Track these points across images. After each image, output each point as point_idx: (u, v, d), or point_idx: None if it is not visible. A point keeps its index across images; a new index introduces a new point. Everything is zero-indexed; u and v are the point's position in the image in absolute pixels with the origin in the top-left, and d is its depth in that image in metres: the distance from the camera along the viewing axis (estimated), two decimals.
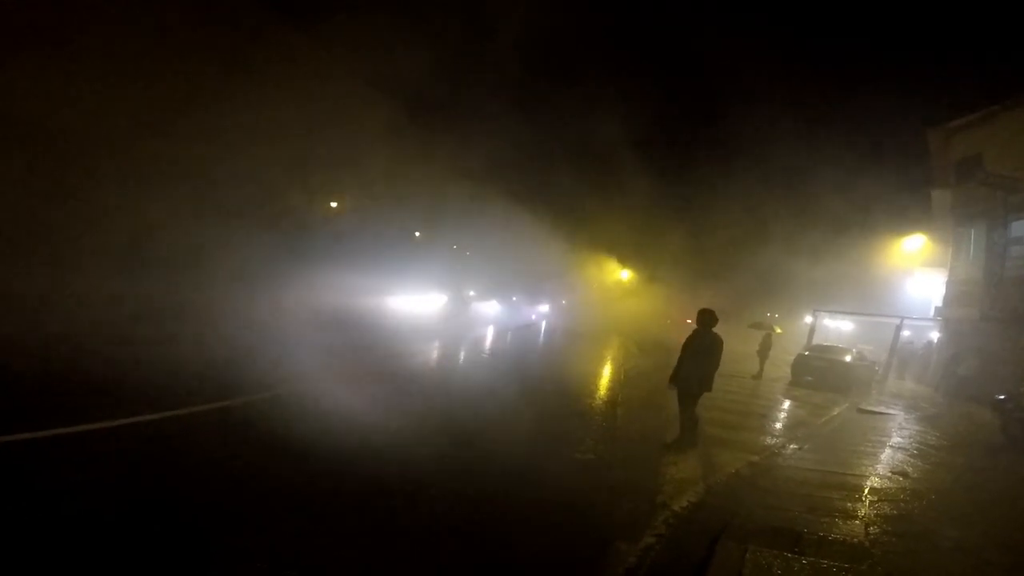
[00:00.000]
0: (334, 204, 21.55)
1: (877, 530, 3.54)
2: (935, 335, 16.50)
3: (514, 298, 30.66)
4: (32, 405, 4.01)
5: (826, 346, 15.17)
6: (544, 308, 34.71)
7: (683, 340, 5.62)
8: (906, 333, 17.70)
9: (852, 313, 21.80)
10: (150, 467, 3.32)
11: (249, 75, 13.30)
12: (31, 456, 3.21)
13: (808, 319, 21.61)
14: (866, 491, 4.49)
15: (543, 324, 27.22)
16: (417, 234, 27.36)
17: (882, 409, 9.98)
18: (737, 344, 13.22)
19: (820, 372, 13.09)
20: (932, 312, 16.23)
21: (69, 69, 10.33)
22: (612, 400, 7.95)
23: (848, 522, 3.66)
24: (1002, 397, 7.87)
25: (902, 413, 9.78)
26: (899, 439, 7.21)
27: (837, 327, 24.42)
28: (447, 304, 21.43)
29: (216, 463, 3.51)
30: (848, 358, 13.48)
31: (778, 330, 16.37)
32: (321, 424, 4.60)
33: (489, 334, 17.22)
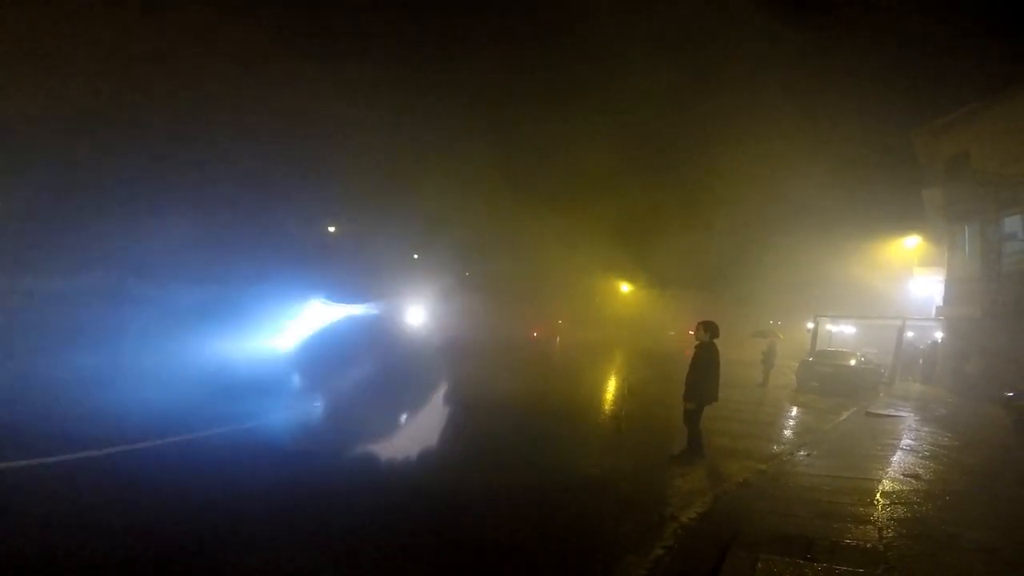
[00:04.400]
0: (332, 228, 21.71)
1: (891, 534, 3.45)
2: (939, 335, 16.40)
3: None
4: None
5: (830, 351, 15.06)
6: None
7: (688, 353, 5.65)
8: (910, 334, 17.59)
9: (854, 317, 21.73)
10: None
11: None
12: None
13: (810, 325, 21.50)
14: (878, 495, 4.39)
15: None
16: (416, 256, 27.40)
17: (891, 412, 9.84)
18: (738, 353, 13.11)
19: (825, 378, 12.97)
20: (934, 312, 16.16)
21: None
22: (616, 414, 7.86)
23: (861, 527, 3.58)
24: (1011, 394, 7.76)
25: (911, 415, 9.63)
26: (910, 441, 7.08)
27: (840, 331, 24.28)
28: None
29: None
30: (853, 362, 13.36)
31: (782, 337, 16.27)
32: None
33: None
